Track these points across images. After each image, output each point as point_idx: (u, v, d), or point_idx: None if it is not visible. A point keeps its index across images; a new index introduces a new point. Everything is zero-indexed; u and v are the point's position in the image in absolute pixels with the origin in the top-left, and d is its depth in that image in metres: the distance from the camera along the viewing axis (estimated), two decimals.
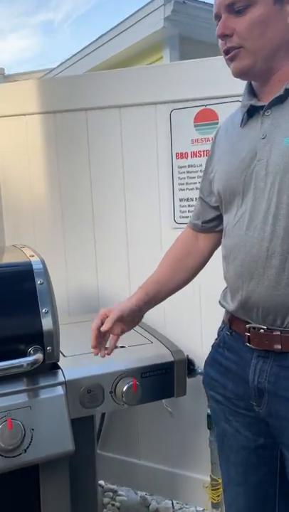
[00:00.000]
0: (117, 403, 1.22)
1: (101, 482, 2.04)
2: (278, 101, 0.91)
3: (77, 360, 1.28)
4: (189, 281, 1.14)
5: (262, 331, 0.91)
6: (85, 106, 1.91)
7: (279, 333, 0.89)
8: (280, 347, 0.89)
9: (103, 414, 1.94)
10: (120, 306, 1.06)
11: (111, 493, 1.99)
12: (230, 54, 0.91)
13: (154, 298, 1.10)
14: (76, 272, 1.92)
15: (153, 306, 1.11)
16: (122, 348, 1.30)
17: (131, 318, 1.07)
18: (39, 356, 1.06)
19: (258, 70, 0.91)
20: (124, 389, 1.20)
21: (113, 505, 1.93)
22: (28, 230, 1.99)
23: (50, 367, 1.19)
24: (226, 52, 0.92)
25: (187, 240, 1.15)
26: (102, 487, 2.03)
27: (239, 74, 0.93)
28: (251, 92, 0.97)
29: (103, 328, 1.04)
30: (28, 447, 1.06)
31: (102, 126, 1.88)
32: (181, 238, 1.17)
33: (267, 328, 0.91)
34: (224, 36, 0.90)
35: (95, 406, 1.21)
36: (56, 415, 1.11)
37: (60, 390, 1.15)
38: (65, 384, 1.16)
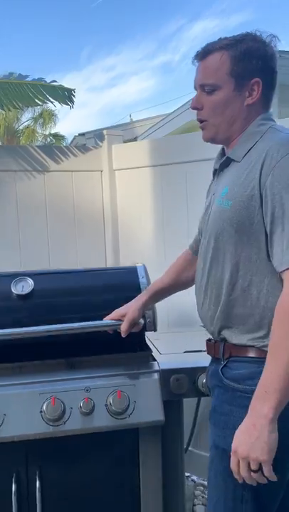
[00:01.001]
0: (198, 392, 1.58)
1: (194, 478, 2.37)
2: (224, 165, 1.24)
3: (171, 357, 1.69)
4: (184, 289, 1.53)
5: None
6: (184, 160, 2.39)
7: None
8: None
9: (195, 417, 2.30)
10: (131, 310, 1.48)
11: (202, 488, 2.31)
12: (200, 124, 1.25)
13: (153, 301, 1.55)
14: None
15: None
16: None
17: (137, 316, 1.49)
18: (141, 322, 1.52)
19: (220, 138, 1.23)
20: (204, 381, 1.56)
21: (203, 497, 2.24)
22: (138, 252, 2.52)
23: (150, 359, 1.62)
24: (199, 121, 1.25)
25: (185, 258, 1.53)
26: (194, 482, 2.36)
27: (206, 140, 1.27)
28: (222, 154, 1.28)
29: (125, 332, 1.49)
30: (131, 413, 1.48)
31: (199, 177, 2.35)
32: (182, 256, 1.55)
33: None
34: (195, 108, 1.23)
35: (181, 393, 1.59)
36: (152, 393, 1.52)
37: (155, 376, 1.56)
38: (159, 372, 1.57)
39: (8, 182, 2.59)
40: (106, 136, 2.70)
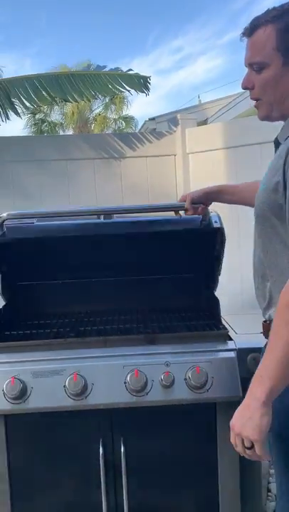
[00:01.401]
0: None
1: (271, 471, 2.40)
2: (276, 145, 1.19)
3: (247, 337, 1.73)
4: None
5: None
6: (258, 141, 2.37)
7: None
8: None
9: None
10: (193, 191, 1.65)
11: None
12: (255, 104, 1.21)
13: (217, 195, 1.65)
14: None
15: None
16: None
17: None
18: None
19: (274, 116, 1.19)
20: None
21: None
22: None
23: (227, 338, 1.68)
24: (253, 100, 1.21)
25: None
26: (270, 460, 2.38)
27: (261, 119, 1.23)
28: None
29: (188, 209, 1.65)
30: (209, 388, 1.55)
31: None
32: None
33: None
34: (246, 88, 1.20)
35: None
36: (229, 370, 1.58)
37: (232, 354, 1.61)
38: (236, 350, 1.62)
39: (87, 169, 2.74)
40: (180, 121, 2.75)
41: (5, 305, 1.96)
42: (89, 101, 2.44)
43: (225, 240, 1.83)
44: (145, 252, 2.08)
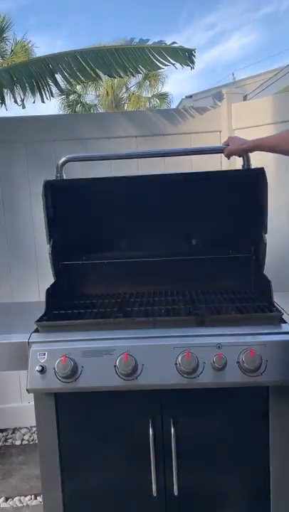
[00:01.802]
0: None
1: None
2: None
3: None
4: None
5: None
6: None
7: None
8: None
9: None
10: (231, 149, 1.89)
11: None
12: None
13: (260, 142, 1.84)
14: None
15: None
16: None
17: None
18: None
19: None
20: None
21: None
22: None
23: (280, 321, 1.62)
24: None
25: None
26: None
27: None
28: None
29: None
30: (263, 372, 1.51)
31: None
32: None
33: None
34: None
35: None
36: (284, 353, 1.52)
37: (286, 337, 1.55)
38: None
39: (129, 147, 2.69)
40: (225, 95, 2.64)
41: (53, 284, 1.96)
42: (133, 75, 2.37)
43: (267, 183, 1.87)
44: (191, 219, 2.12)
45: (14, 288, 2.83)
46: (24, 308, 2.17)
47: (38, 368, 1.55)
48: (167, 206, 2.13)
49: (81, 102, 17.16)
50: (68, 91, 16.62)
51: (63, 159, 2.00)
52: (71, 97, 16.97)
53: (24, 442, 2.79)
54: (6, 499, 2.25)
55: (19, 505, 2.20)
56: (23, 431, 2.88)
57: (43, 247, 2.77)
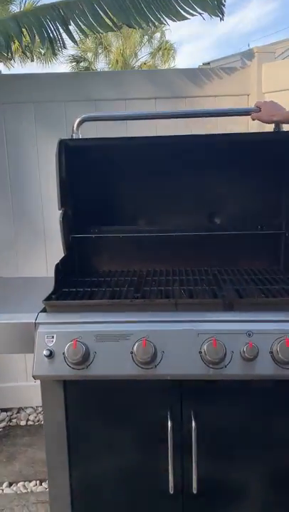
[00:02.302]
0: None
1: None
2: None
3: None
4: None
5: None
6: None
7: None
8: None
9: None
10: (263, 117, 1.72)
11: None
12: None
13: None
14: None
15: None
16: None
17: None
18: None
19: None
20: None
21: None
22: None
23: None
24: None
25: None
26: None
27: None
28: None
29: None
30: None
31: None
32: None
33: None
34: None
35: None
36: None
37: None
38: None
39: (147, 110, 2.47)
40: (256, 54, 2.40)
41: (63, 258, 1.80)
42: (155, 26, 2.13)
43: None
44: (216, 189, 1.96)
45: (20, 262, 2.67)
46: (30, 284, 2.02)
47: (45, 352, 1.40)
48: (190, 175, 1.95)
49: (92, 70, 16.67)
50: (79, 58, 16.15)
51: (79, 118, 1.82)
52: (81, 64, 16.50)
53: (29, 423, 2.70)
54: (10, 484, 2.16)
55: (23, 491, 2.10)
56: (28, 411, 2.78)
57: (51, 219, 2.62)
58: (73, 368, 1.40)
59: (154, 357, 1.38)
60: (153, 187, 2.01)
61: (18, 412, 2.78)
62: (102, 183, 1.98)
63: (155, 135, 1.81)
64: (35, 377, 1.43)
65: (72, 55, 16.26)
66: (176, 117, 1.83)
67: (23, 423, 2.69)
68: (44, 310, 1.53)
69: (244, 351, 1.36)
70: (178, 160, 1.92)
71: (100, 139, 1.78)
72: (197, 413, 1.47)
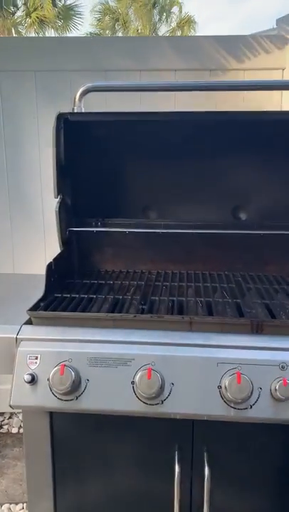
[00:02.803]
0: None
1: None
2: None
3: None
4: None
5: None
6: None
7: None
8: None
9: None
10: None
11: None
12: None
13: None
14: None
15: None
16: None
17: None
18: None
19: None
20: None
21: None
22: None
23: None
24: None
25: None
26: None
27: None
28: None
29: None
30: None
31: None
32: None
33: None
34: None
35: None
36: None
37: None
38: None
39: None
40: None
41: (57, 256, 1.52)
42: None
43: None
44: (241, 179, 1.67)
45: (17, 257, 2.40)
46: (25, 283, 1.75)
47: (26, 377, 1.15)
48: (212, 160, 1.66)
49: None
50: (96, 36, 15.71)
51: (83, 88, 1.55)
52: None
53: (22, 430, 2.46)
54: None
55: None
56: (21, 416, 2.55)
57: (52, 209, 2.35)
58: (60, 399, 1.14)
59: (161, 390, 1.11)
60: (167, 173, 1.73)
61: (10, 418, 2.56)
62: (107, 167, 1.70)
63: (173, 110, 1.51)
64: (13, 406, 1.18)
65: (90, 32, 15.85)
66: (198, 89, 1.51)
67: (14, 430, 2.47)
68: (29, 321, 1.26)
69: (276, 389, 1.08)
70: (199, 141, 1.63)
71: (105, 113, 1.49)
72: (212, 456, 1.20)
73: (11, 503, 1.92)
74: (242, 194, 1.74)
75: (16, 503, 1.92)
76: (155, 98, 1.89)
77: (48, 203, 2.33)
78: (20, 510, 1.90)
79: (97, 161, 1.71)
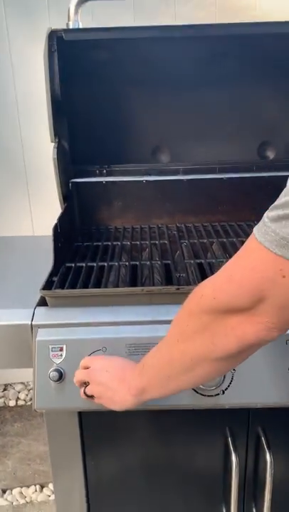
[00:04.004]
0: None
1: None
2: None
3: None
4: None
5: None
6: None
7: None
8: None
9: None
10: None
11: None
12: None
13: None
14: None
15: None
16: None
17: None
18: None
19: None
20: None
21: None
22: None
23: None
24: None
25: None
26: None
27: None
28: None
29: None
30: None
31: None
32: None
33: None
34: None
35: None
36: None
37: None
38: None
39: None
40: None
41: (62, 216, 1.27)
42: None
43: None
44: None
45: None
46: (15, 248, 1.49)
47: (53, 374, 0.93)
48: (231, 88, 1.42)
49: None
50: None
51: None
52: None
53: (20, 402, 2.31)
54: (3, 491, 1.79)
55: (21, 501, 1.74)
56: (17, 387, 2.38)
57: (33, 154, 2.03)
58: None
59: (222, 379, 0.93)
60: (180, 106, 1.47)
61: (5, 390, 2.38)
62: (109, 101, 1.42)
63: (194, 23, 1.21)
64: (37, 409, 0.97)
65: None
66: None
67: (12, 403, 2.30)
68: (43, 301, 1.03)
69: None
70: (222, 63, 1.36)
71: (115, 29, 1.17)
72: (270, 441, 1.06)
73: (22, 487, 1.79)
74: (269, 129, 1.51)
75: (28, 486, 1.79)
76: (152, 12, 1.57)
77: (29, 146, 2.01)
78: (33, 493, 1.77)
79: (97, 94, 1.42)
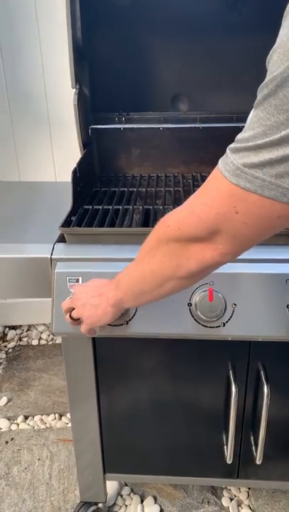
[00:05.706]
0: None
1: None
2: None
3: None
4: None
5: None
6: None
7: None
8: None
9: None
10: None
11: None
12: None
13: None
14: None
15: None
16: None
17: None
18: None
19: None
20: None
21: None
22: None
23: None
24: None
25: None
26: None
27: None
28: None
29: None
30: None
31: None
32: None
33: None
34: None
35: None
36: None
37: None
38: None
39: None
40: None
41: (81, 161, 1.34)
42: None
43: None
44: None
45: (20, 160, 2.17)
46: (38, 192, 1.58)
47: None
48: (253, 34, 1.41)
49: None
50: None
51: None
52: None
53: (42, 342, 2.47)
54: (26, 417, 1.97)
55: (41, 426, 1.92)
56: (40, 328, 2.54)
57: (56, 100, 2.07)
58: (108, 324, 1.04)
59: (222, 312, 1.02)
60: (203, 54, 1.48)
61: (28, 330, 2.55)
62: (128, 47, 1.45)
63: None
64: (55, 333, 1.09)
65: None
66: None
67: (35, 342, 2.46)
68: (62, 238, 1.12)
69: None
70: (243, 10, 1.36)
71: None
72: (269, 374, 1.15)
73: (42, 414, 1.97)
74: None
75: (48, 414, 1.97)
76: None
77: (52, 92, 2.05)
78: (52, 420, 1.95)
79: (118, 41, 1.44)
